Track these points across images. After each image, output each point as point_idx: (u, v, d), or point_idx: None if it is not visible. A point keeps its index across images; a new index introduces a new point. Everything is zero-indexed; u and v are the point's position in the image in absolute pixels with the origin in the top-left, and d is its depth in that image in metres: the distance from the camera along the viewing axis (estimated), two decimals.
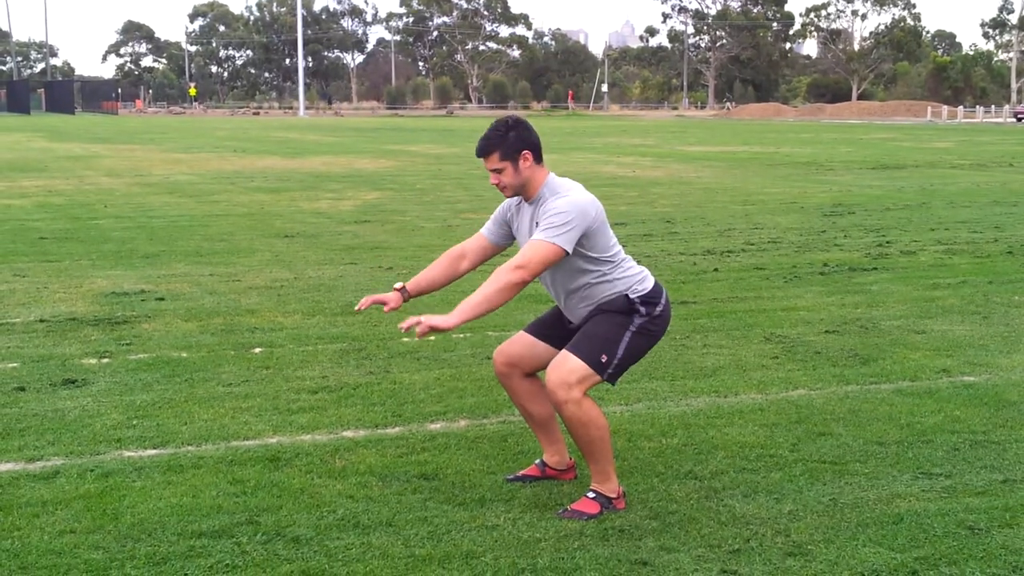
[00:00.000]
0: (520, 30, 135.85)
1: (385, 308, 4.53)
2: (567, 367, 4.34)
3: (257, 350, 7.24)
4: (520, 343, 4.74)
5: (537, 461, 4.89)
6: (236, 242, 12.55)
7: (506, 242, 4.72)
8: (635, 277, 4.53)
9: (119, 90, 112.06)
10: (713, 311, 8.59)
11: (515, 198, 4.60)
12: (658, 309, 4.52)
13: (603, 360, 4.39)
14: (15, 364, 6.82)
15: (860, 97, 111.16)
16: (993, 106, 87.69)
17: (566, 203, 4.34)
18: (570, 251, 4.29)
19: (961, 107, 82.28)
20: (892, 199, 18.07)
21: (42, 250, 11.81)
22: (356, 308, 4.59)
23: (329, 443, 5.31)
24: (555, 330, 4.69)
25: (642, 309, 4.47)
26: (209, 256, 11.46)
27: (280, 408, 5.89)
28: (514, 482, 4.79)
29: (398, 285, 4.64)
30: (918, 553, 4.05)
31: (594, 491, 4.47)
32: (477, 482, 4.79)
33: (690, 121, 78.16)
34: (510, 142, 4.40)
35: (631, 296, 4.48)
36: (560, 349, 4.51)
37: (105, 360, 6.94)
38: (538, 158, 4.46)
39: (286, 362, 6.90)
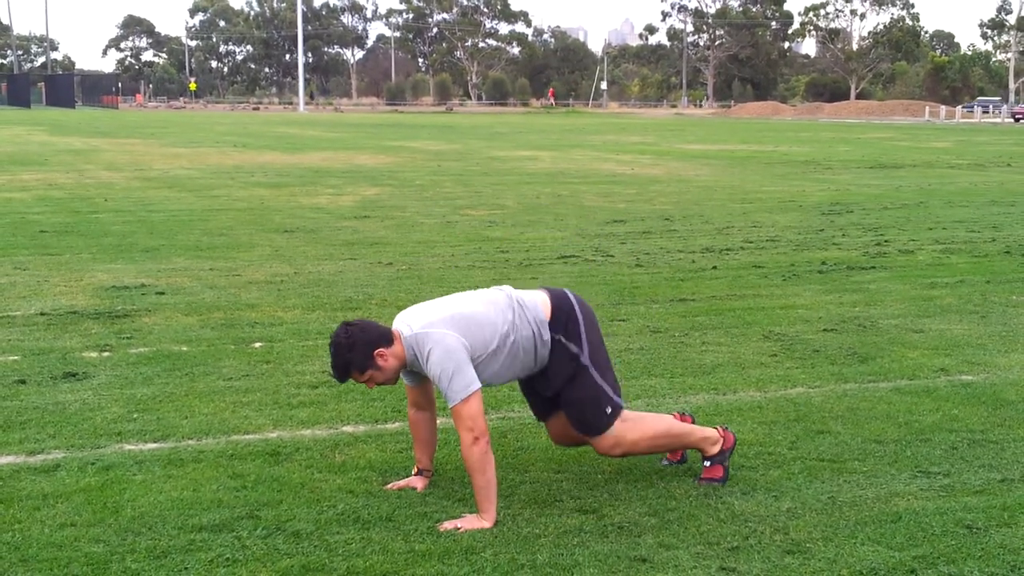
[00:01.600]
0: (520, 27, 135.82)
1: (419, 490, 4.62)
2: (603, 446, 4.60)
3: (257, 344, 7.25)
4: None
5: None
6: (236, 237, 12.56)
7: (425, 379, 4.63)
8: (538, 310, 4.55)
9: (119, 84, 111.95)
10: (712, 309, 8.60)
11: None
12: (580, 324, 4.59)
13: (609, 411, 4.57)
14: (16, 357, 6.83)
15: (858, 96, 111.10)
16: (991, 106, 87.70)
17: (438, 361, 4.31)
18: (479, 385, 4.33)
19: (959, 107, 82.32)
20: (890, 198, 18.09)
21: (42, 243, 11.82)
22: (388, 487, 4.65)
23: (329, 438, 5.33)
24: (535, 399, 4.84)
25: (573, 346, 4.56)
26: (209, 250, 11.46)
27: (280, 403, 5.90)
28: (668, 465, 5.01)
29: (415, 470, 4.74)
30: (916, 552, 4.06)
31: (707, 459, 4.76)
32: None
33: (689, 119, 78.17)
34: (357, 358, 4.38)
35: (552, 338, 4.54)
36: (552, 410, 4.74)
37: (106, 354, 6.95)
38: (388, 342, 4.41)
39: (286, 357, 6.91)
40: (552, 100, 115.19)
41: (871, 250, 11.93)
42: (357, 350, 4.36)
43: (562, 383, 4.59)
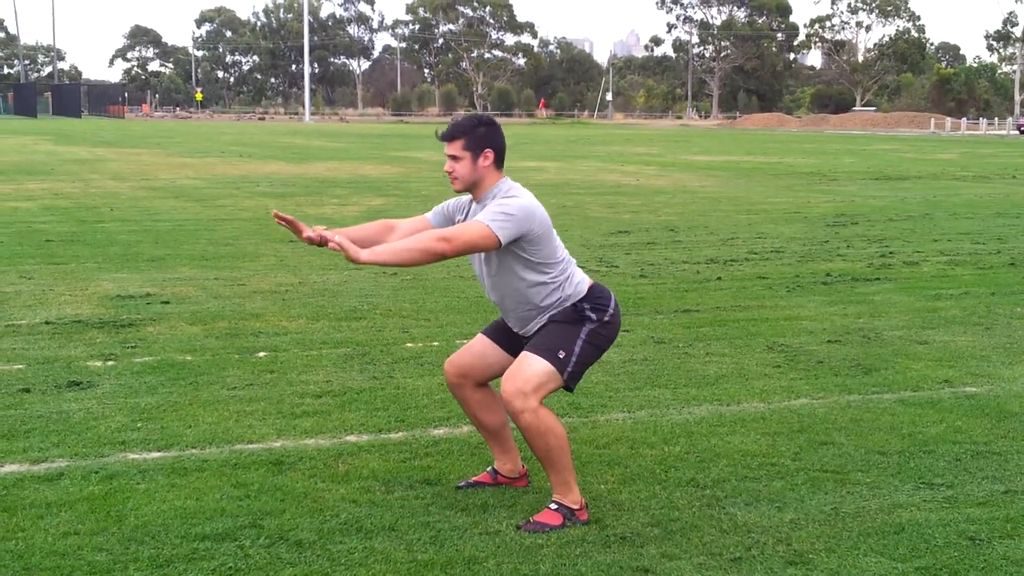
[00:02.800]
0: (526, 38, 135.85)
1: (301, 236, 4.27)
2: (522, 376, 4.30)
3: (261, 354, 7.26)
4: (470, 353, 4.73)
5: (489, 468, 4.88)
6: (241, 246, 12.58)
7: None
8: (582, 285, 4.52)
9: (126, 94, 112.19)
10: (716, 319, 8.60)
11: (466, 197, 4.58)
12: (607, 316, 4.50)
13: (561, 356, 4.36)
14: (21, 366, 6.84)
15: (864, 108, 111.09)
16: (996, 118, 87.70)
17: (514, 202, 4.32)
18: (503, 242, 4.24)
19: (964, 119, 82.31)
20: (895, 210, 18.09)
21: (48, 252, 11.84)
22: (273, 213, 4.39)
23: (332, 447, 5.33)
24: (507, 335, 4.68)
25: (592, 315, 4.46)
26: (214, 260, 11.49)
27: (284, 412, 5.91)
28: (465, 488, 4.77)
29: (323, 227, 4.39)
30: (919, 563, 4.06)
31: (556, 502, 4.42)
32: (479, 488, 4.81)
33: (694, 130, 78.19)
34: (478, 135, 4.38)
35: (579, 303, 4.47)
36: (512, 357, 4.52)
37: (110, 363, 6.97)
38: (499, 162, 4.45)
39: (290, 366, 6.92)
40: (544, 110, 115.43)
41: (876, 262, 11.92)
42: (481, 130, 4.37)
43: (558, 317, 4.45)
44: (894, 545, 4.22)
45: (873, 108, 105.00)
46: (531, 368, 4.32)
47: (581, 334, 4.43)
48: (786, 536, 4.30)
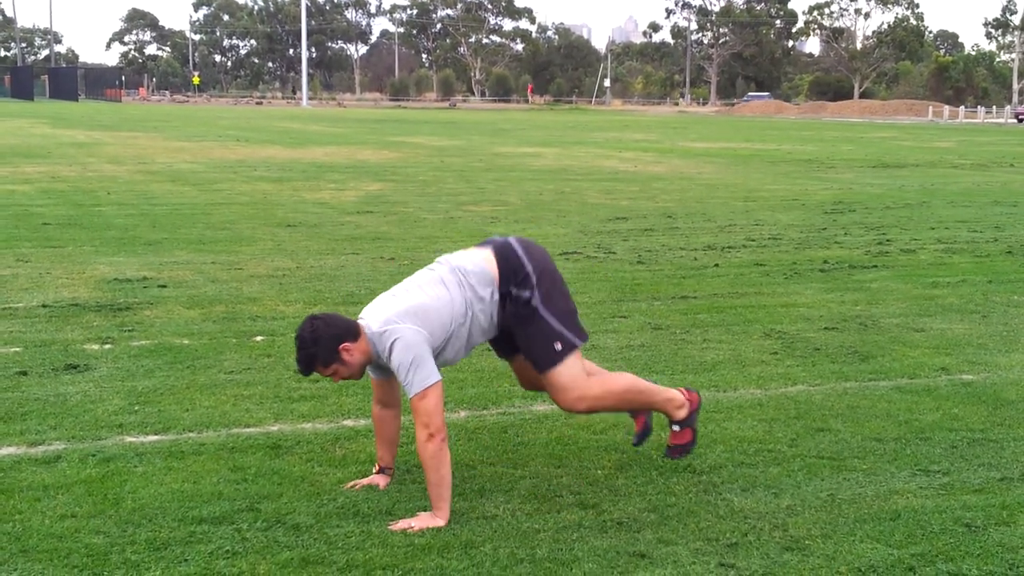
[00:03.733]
0: (524, 24, 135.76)
1: (381, 488, 4.58)
2: (560, 391, 4.50)
3: (259, 338, 7.26)
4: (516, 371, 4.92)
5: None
6: (238, 231, 12.57)
7: (391, 373, 4.55)
8: (485, 274, 4.48)
9: (123, 78, 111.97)
10: (713, 306, 8.61)
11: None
12: (532, 275, 4.49)
13: (558, 347, 4.47)
14: (17, 349, 6.84)
15: (862, 96, 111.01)
16: (994, 106, 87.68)
17: (399, 353, 4.27)
18: (438, 378, 4.27)
19: (963, 107, 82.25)
20: (893, 198, 18.09)
21: (45, 236, 11.83)
22: (348, 486, 4.59)
23: (330, 431, 5.33)
24: (501, 345, 4.79)
25: (526, 293, 4.48)
26: (211, 244, 11.48)
27: (281, 396, 5.91)
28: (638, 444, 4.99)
29: (376, 468, 4.68)
30: (915, 549, 4.07)
31: (675, 423, 4.78)
32: (477, 473, 4.82)
33: (692, 117, 78.11)
34: (322, 350, 4.33)
35: (503, 290, 4.48)
36: (513, 351, 4.71)
37: (107, 346, 6.96)
38: (355, 336, 4.37)
39: (288, 350, 6.90)
40: (531, 95, 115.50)
41: (873, 249, 11.93)
42: (322, 344, 4.32)
43: (515, 323, 4.51)
44: (890, 531, 4.23)
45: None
46: (558, 380, 4.49)
47: (543, 315, 4.48)
48: (782, 522, 4.31)
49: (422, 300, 4.41)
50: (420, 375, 4.24)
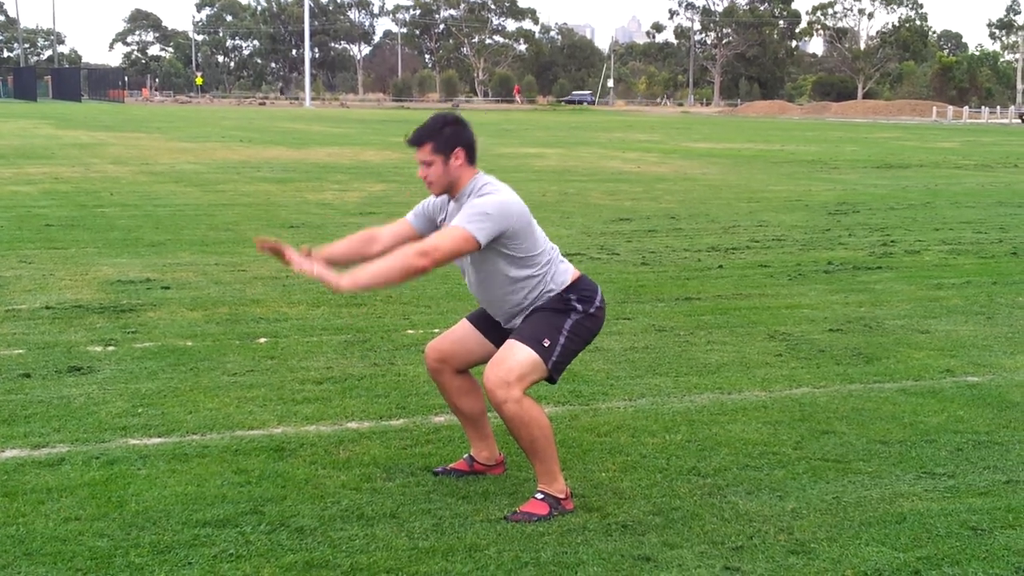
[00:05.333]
0: (527, 24, 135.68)
1: (283, 260, 4.34)
2: (506, 365, 4.26)
3: (262, 340, 7.25)
4: (451, 339, 4.69)
5: (465, 456, 4.87)
6: (241, 232, 12.56)
7: (430, 233, 4.50)
8: (567, 275, 4.47)
9: (126, 78, 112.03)
10: (717, 308, 8.59)
11: (443, 197, 4.52)
12: (593, 307, 4.47)
13: (546, 344, 4.31)
14: (21, 350, 6.84)
15: (866, 96, 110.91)
16: (998, 107, 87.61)
17: (490, 200, 4.25)
18: (483, 243, 4.19)
19: (966, 107, 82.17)
20: (897, 198, 18.06)
21: (48, 237, 11.83)
22: (255, 240, 4.43)
23: (333, 434, 5.33)
24: (491, 323, 4.63)
25: (578, 306, 4.42)
26: (214, 246, 11.47)
27: (285, 398, 5.90)
28: (442, 475, 4.76)
29: (305, 247, 4.47)
30: (921, 553, 4.06)
31: (542, 492, 4.39)
32: (481, 475, 4.80)
33: (695, 118, 78.08)
34: (445, 136, 4.33)
35: (565, 294, 4.43)
36: (495, 346, 4.49)
37: (111, 348, 6.96)
38: (471, 159, 4.38)
39: (291, 352, 6.91)
40: (518, 97, 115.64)
41: (877, 250, 11.91)
42: (450, 130, 4.33)
43: (546, 304, 4.41)
44: (896, 535, 4.22)
45: None
46: (515, 357, 4.28)
47: (566, 324, 4.39)
48: (787, 525, 4.29)
49: (533, 221, 4.41)
50: (474, 225, 4.16)
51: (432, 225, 4.55)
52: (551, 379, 4.42)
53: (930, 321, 8.23)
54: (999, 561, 4.01)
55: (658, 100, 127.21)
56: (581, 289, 4.47)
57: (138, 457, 4.93)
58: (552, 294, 4.42)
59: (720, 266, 10.66)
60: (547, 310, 4.41)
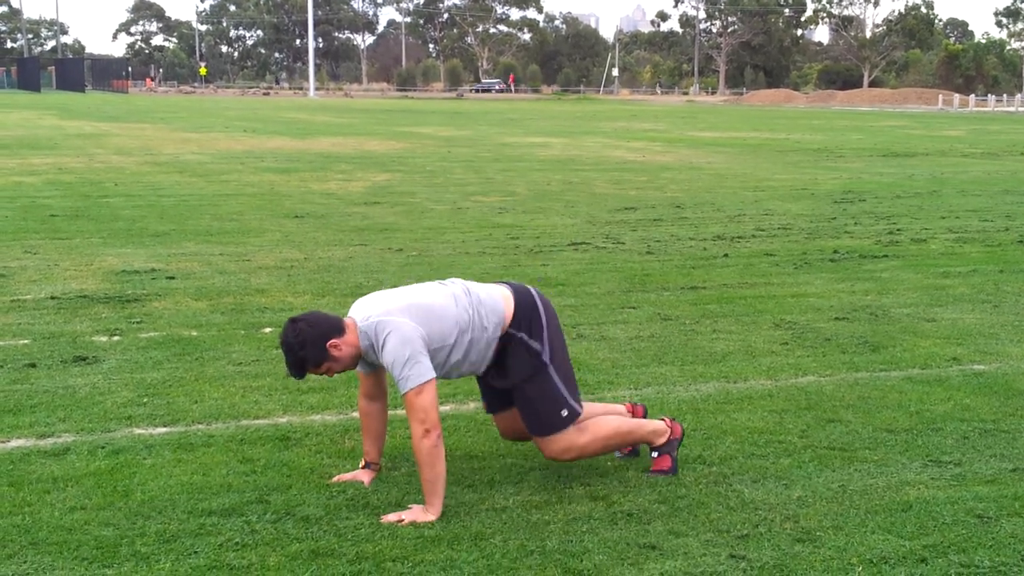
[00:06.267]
0: (531, 13, 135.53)
1: (366, 484, 4.51)
2: (554, 450, 4.48)
3: (267, 330, 7.25)
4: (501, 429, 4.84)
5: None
6: (246, 222, 12.56)
7: (379, 368, 4.51)
8: (499, 311, 4.46)
9: (129, 69, 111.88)
10: (723, 297, 8.58)
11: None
12: (542, 318, 4.51)
13: (565, 415, 4.47)
14: (26, 341, 6.84)
15: (871, 84, 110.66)
16: (1005, 95, 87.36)
17: (393, 348, 4.22)
18: (434, 375, 4.23)
19: (973, 95, 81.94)
20: (903, 187, 18.02)
21: (53, 227, 11.83)
22: (334, 480, 4.55)
23: (339, 423, 5.33)
24: (488, 391, 4.73)
25: (535, 344, 4.46)
26: (219, 235, 11.47)
27: (290, 388, 5.90)
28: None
29: (362, 463, 4.63)
30: (927, 541, 4.05)
31: (655, 448, 4.71)
32: (486, 464, 4.81)
33: (700, 106, 77.96)
34: (311, 354, 4.29)
35: (514, 335, 4.45)
36: (504, 405, 4.66)
37: (116, 338, 6.96)
38: (340, 332, 4.31)
39: None
40: (512, 85, 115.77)
41: (883, 239, 11.88)
42: (309, 346, 4.27)
43: (520, 380, 4.47)
44: (902, 523, 4.21)
45: None
46: (556, 445, 4.48)
47: (550, 374, 4.47)
48: (793, 513, 4.29)
49: (426, 301, 4.38)
50: (416, 371, 4.20)
51: (373, 366, 4.51)
52: (581, 412, 4.58)
53: (936, 309, 8.21)
54: (1005, 549, 4.00)
55: (655, 88, 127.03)
56: (522, 318, 4.48)
57: (143, 447, 4.93)
58: (502, 341, 4.46)
59: (725, 255, 10.64)
60: (528, 383, 4.45)
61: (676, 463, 4.69)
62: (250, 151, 24.05)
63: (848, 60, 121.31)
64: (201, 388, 5.87)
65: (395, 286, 8.66)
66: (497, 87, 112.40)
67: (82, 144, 25.52)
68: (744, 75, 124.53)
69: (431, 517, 4.16)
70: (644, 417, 4.91)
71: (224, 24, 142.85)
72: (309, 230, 11.96)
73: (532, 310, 4.52)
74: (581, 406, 4.58)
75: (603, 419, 4.65)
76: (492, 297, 4.50)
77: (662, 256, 10.54)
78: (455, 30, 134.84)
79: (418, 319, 4.30)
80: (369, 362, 4.45)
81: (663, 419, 4.82)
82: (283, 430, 5.20)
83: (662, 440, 4.70)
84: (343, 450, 4.93)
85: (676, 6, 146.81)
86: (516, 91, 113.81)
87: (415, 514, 4.17)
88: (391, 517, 4.17)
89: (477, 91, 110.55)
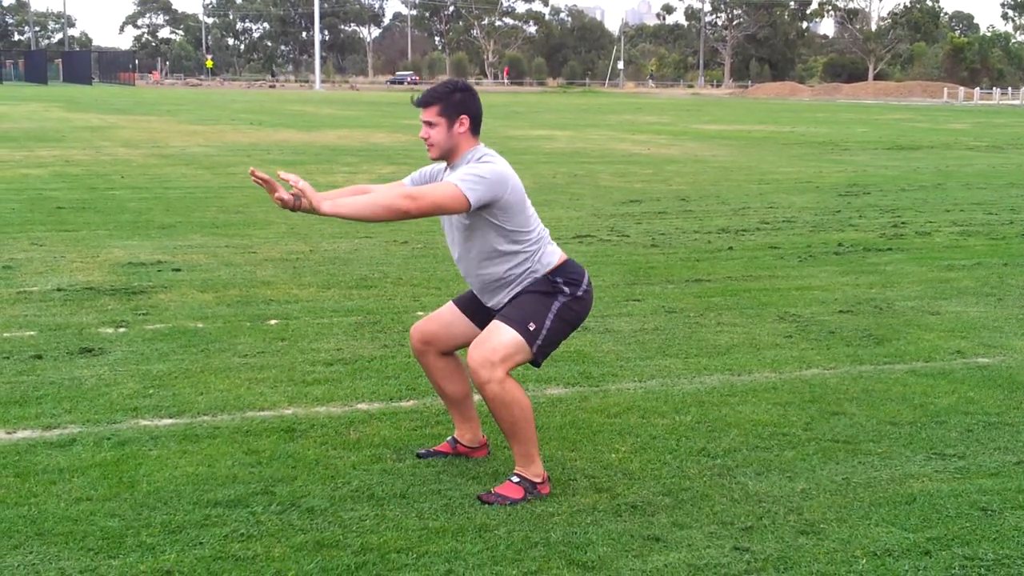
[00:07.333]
0: (537, 6, 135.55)
1: (273, 196, 4.01)
2: (490, 345, 4.23)
3: (273, 322, 7.26)
4: (437, 321, 4.67)
5: (449, 438, 4.86)
6: (252, 214, 12.58)
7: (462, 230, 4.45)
8: (553, 257, 4.44)
9: (136, 61, 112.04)
10: (727, 289, 8.58)
11: (441, 165, 4.50)
12: (580, 291, 4.43)
13: (531, 328, 4.28)
14: (32, 332, 6.86)
15: (876, 77, 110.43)
16: (1010, 88, 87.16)
17: (487, 166, 4.24)
18: (473, 204, 4.14)
19: (978, 88, 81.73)
20: (907, 180, 18.00)
21: (59, 220, 11.85)
22: (251, 171, 4.09)
23: (344, 415, 5.34)
24: (477, 306, 4.60)
25: (565, 289, 4.39)
26: (225, 228, 11.49)
27: (295, 380, 5.91)
28: (425, 458, 4.75)
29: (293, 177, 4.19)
30: (930, 533, 4.06)
31: (518, 475, 4.37)
32: (491, 456, 4.82)
33: (706, 99, 77.83)
34: (454, 101, 4.31)
35: (551, 276, 4.40)
36: (479, 329, 4.46)
37: (122, 329, 6.98)
38: (475, 128, 4.35)
39: (301, 334, 6.93)
40: (506, 78, 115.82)
41: (888, 232, 11.87)
42: (460, 96, 4.30)
43: (531, 286, 4.38)
44: (905, 515, 4.22)
45: None
46: (500, 338, 4.25)
47: (553, 307, 4.36)
48: (797, 506, 4.30)
49: (526, 198, 4.41)
50: (468, 183, 4.14)
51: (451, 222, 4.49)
52: (535, 362, 4.40)
53: (941, 302, 8.21)
54: (1009, 542, 4.01)
55: (649, 81, 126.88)
56: (568, 272, 4.44)
57: (149, 438, 4.95)
58: (537, 275, 4.40)
59: (730, 248, 10.64)
60: (534, 293, 4.38)
61: (519, 503, 4.27)
62: (256, 144, 24.06)
63: (853, 53, 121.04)
64: (207, 380, 5.89)
65: (400, 279, 8.70)
66: (409, 79, 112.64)
67: (89, 136, 25.54)
68: (749, 68, 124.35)
69: (318, 204, 3.95)
70: (542, 494, 4.38)
71: (230, 17, 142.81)
72: (315, 222, 11.96)
73: (580, 275, 4.47)
74: (539, 359, 4.39)
75: (525, 397, 4.40)
76: (553, 244, 4.52)
77: (667, 249, 10.54)
78: (461, 23, 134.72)
79: (517, 193, 4.31)
80: (432, 179, 4.46)
81: (545, 473, 4.45)
82: (288, 422, 5.21)
83: (535, 477, 4.37)
84: (348, 442, 4.94)
85: None
86: (511, 84, 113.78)
87: (310, 190, 3.93)
88: (293, 177, 3.92)
89: (391, 83, 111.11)
